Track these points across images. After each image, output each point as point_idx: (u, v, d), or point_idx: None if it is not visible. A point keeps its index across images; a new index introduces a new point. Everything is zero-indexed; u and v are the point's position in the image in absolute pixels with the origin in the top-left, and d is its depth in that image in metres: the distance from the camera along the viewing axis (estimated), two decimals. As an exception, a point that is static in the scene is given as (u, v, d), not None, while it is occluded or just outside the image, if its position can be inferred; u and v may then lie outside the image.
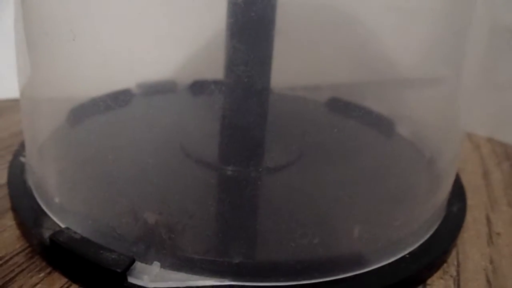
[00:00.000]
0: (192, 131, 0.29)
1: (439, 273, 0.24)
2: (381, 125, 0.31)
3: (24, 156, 0.28)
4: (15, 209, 0.25)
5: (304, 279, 0.20)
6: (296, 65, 0.32)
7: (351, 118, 0.31)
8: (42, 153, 0.26)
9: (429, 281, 0.23)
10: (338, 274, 0.21)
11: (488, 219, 0.28)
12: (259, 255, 0.21)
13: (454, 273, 0.24)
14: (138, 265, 0.20)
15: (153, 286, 0.20)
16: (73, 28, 0.27)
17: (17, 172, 0.27)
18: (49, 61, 0.25)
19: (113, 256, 0.20)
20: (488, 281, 0.23)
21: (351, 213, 0.23)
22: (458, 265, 0.24)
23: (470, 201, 0.28)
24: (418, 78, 0.29)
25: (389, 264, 0.22)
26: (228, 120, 0.27)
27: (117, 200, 0.23)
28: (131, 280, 0.20)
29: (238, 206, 0.24)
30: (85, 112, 0.30)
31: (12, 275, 0.22)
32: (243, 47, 0.25)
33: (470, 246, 0.26)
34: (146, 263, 0.20)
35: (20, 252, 0.23)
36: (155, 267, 0.20)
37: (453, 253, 0.25)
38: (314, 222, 0.22)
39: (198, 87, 0.34)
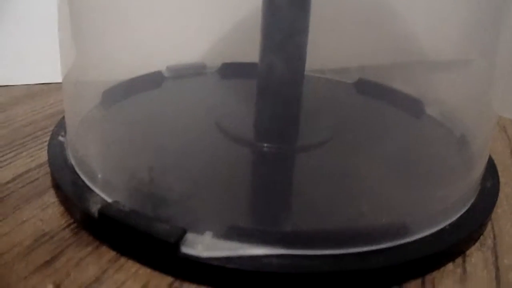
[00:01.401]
0: (226, 111, 0.30)
1: (477, 245, 0.24)
2: (411, 106, 0.31)
3: (62, 135, 0.28)
4: (58, 186, 0.25)
5: (352, 248, 0.21)
6: (324, 47, 0.32)
7: (380, 99, 0.32)
8: (84, 131, 0.26)
9: (468, 253, 0.24)
10: (383, 243, 0.21)
11: (519, 196, 0.29)
12: (309, 224, 0.21)
13: (491, 245, 0.24)
14: (189, 235, 0.21)
15: (206, 255, 0.20)
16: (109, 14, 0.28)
17: (56, 151, 0.27)
18: (92, 46, 0.26)
19: (165, 227, 0.21)
20: (525, 254, 0.24)
21: (393, 186, 0.24)
22: (495, 238, 0.25)
23: (501, 179, 0.29)
24: (449, 60, 0.29)
25: (431, 234, 0.23)
26: (264, 99, 0.27)
27: (164, 173, 0.23)
28: (184, 250, 0.20)
29: (278, 180, 0.24)
30: (119, 93, 0.31)
31: (59, 249, 0.22)
32: (280, 23, 0.26)
33: (505, 221, 0.26)
34: (197, 233, 0.21)
35: (65, 227, 0.24)
36: (207, 236, 0.20)
37: (489, 227, 0.26)
38: (360, 194, 0.23)
39: (227, 70, 0.34)
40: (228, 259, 0.20)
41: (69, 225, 0.24)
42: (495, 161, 0.30)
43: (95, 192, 0.24)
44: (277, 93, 0.27)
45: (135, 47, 0.31)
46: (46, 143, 0.29)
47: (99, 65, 0.27)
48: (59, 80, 0.27)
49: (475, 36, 0.27)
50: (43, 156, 0.29)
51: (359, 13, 0.32)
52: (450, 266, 0.23)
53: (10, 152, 0.30)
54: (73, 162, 0.26)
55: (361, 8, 0.32)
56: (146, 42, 0.31)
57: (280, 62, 0.26)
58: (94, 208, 0.23)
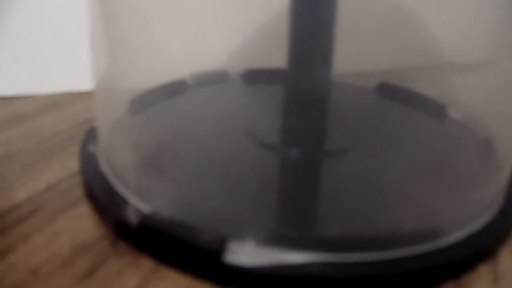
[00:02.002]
0: (252, 117, 0.30)
1: (508, 248, 0.25)
2: (433, 109, 0.31)
3: (93, 145, 0.29)
4: (92, 196, 0.26)
5: (393, 252, 0.21)
6: (345, 51, 0.33)
7: (403, 103, 0.32)
8: (116, 140, 0.26)
9: (498, 254, 0.24)
10: (420, 245, 0.22)
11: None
12: (349, 229, 0.22)
13: (521, 247, 0.25)
14: (231, 244, 0.21)
15: (248, 263, 0.20)
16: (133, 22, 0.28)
17: (88, 160, 0.28)
18: (124, 53, 0.26)
19: (206, 236, 0.21)
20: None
21: (424, 190, 0.24)
22: (524, 240, 0.25)
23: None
24: (472, 62, 0.29)
25: (463, 237, 0.23)
26: (291, 105, 0.28)
27: (200, 182, 0.23)
28: (226, 258, 0.21)
29: (310, 186, 0.25)
30: (145, 101, 0.31)
31: (98, 260, 0.22)
32: (308, 28, 0.26)
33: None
34: (239, 242, 0.21)
35: (102, 237, 0.24)
36: (249, 245, 0.21)
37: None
38: (396, 199, 0.23)
39: (250, 76, 0.34)
40: (270, 266, 0.20)
41: (106, 235, 0.24)
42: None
43: (131, 202, 0.24)
44: (304, 99, 0.27)
45: (159, 55, 0.31)
46: (75, 153, 0.30)
47: (129, 73, 0.28)
48: (84, 88, 0.28)
49: (500, 37, 0.28)
50: (74, 166, 0.29)
51: (380, 16, 0.32)
52: (482, 268, 0.23)
53: (40, 163, 0.30)
54: (106, 171, 0.27)
55: (382, 11, 0.32)
56: (170, 49, 0.32)
57: (308, 67, 0.27)
58: (132, 218, 0.23)
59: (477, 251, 0.23)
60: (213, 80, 0.34)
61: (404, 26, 0.32)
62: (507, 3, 0.27)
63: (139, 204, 0.24)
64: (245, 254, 0.21)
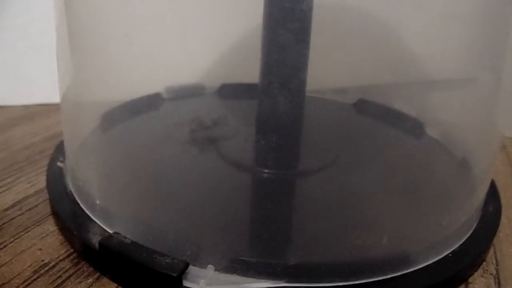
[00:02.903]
0: (225, 134, 0.29)
1: (479, 271, 0.24)
2: (411, 126, 0.31)
3: (61, 161, 0.28)
4: (57, 214, 0.25)
5: (357, 279, 0.20)
6: (324, 67, 0.32)
7: (380, 120, 0.32)
8: (83, 158, 0.26)
9: (470, 280, 0.24)
10: (387, 274, 0.21)
11: (521, 218, 0.29)
12: (312, 256, 0.21)
13: (494, 271, 0.24)
14: (192, 269, 0.20)
15: (208, 289, 0.20)
16: (107, 33, 0.28)
17: (55, 177, 0.27)
18: (90, 65, 0.26)
19: (167, 260, 0.20)
20: (528, 279, 0.24)
21: (392, 214, 0.24)
22: (497, 264, 0.25)
23: (502, 201, 0.29)
24: (450, 79, 0.29)
25: (434, 263, 0.23)
26: (264, 122, 0.27)
27: (165, 203, 0.23)
28: (187, 284, 0.20)
29: (281, 208, 0.24)
30: (117, 116, 0.30)
31: (59, 281, 0.22)
32: (281, 44, 0.25)
33: (507, 245, 0.26)
34: (200, 267, 0.20)
35: (65, 257, 0.23)
36: (210, 270, 0.20)
37: (491, 252, 0.26)
38: (364, 224, 0.22)
39: (226, 91, 0.34)
40: (230, 293, 0.20)
41: (69, 255, 0.24)
42: (495, 182, 0.30)
43: (95, 222, 0.24)
44: (277, 116, 0.27)
45: (133, 68, 0.31)
46: (45, 168, 0.29)
47: (98, 86, 0.27)
48: (58, 101, 0.27)
49: (477, 55, 0.27)
50: (42, 181, 0.29)
51: (359, 32, 0.32)
52: (453, 294, 0.23)
53: (8, 177, 0.29)
54: (72, 189, 0.26)
55: (361, 27, 0.32)
56: (144, 62, 0.31)
57: (280, 85, 0.26)
58: (95, 239, 0.22)
59: (448, 277, 0.22)
60: (188, 94, 0.34)
61: (383, 43, 0.32)
62: (482, 20, 0.26)
63: (102, 224, 0.23)
64: (206, 279, 0.20)
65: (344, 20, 0.31)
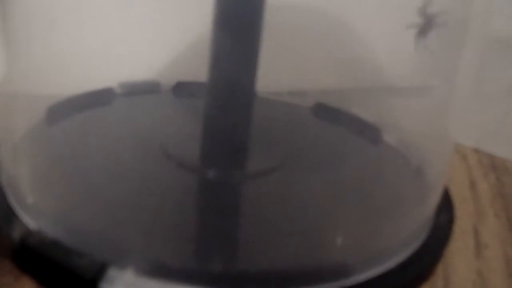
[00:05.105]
0: (174, 133, 0.28)
1: (426, 285, 0.23)
2: (368, 132, 0.30)
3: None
4: (-16, 209, 0.24)
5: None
6: (281, 69, 0.31)
7: (337, 124, 0.31)
8: (17, 151, 0.25)
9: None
10: (323, 285, 0.20)
11: (475, 231, 0.28)
12: (240, 264, 0.20)
13: (441, 287, 0.23)
14: (111, 271, 0.19)
15: (125, 293, 0.19)
16: (54, 22, 0.26)
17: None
18: (27, 56, 0.24)
19: (84, 261, 0.19)
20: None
21: (336, 222, 0.23)
22: (446, 278, 0.24)
23: (457, 212, 0.28)
24: (407, 87, 0.28)
25: (376, 275, 0.21)
26: (211, 123, 0.26)
27: (92, 202, 0.22)
28: (103, 285, 0.19)
29: (219, 212, 0.23)
30: (65, 110, 0.29)
31: (-22, 278, 0.21)
32: (229, 43, 0.24)
33: (458, 258, 0.25)
34: (120, 269, 0.19)
35: (-12, 254, 0.22)
36: (129, 274, 0.19)
37: (441, 266, 0.24)
38: (298, 231, 0.21)
39: (182, 89, 0.33)
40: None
41: (-8, 251, 0.22)
42: (453, 193, 0.29)
43: (20, 217, 0.22)
44: (224, 114, 0.26)
45: (84, 62, 0.30)
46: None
47: (39, 78, 0.26)
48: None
49: (433, 63, 0.26)
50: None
51: (317, 35, 0.31)
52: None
53: None
54: (3, 183, 0.25)
55: (320, 31, 0.31)
56: (96, 55, 0.30)
57: (227, 85, 0.25)
58: (16, 236, 0.21)
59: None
60: (142, 90, 0.33)
61: (344, 47, 0.31)
62: (442, 30, 0.25)
63: (26, 220, 0.22)
64: (123, 283, 0.19)
65: (303, 21, 0.30)
